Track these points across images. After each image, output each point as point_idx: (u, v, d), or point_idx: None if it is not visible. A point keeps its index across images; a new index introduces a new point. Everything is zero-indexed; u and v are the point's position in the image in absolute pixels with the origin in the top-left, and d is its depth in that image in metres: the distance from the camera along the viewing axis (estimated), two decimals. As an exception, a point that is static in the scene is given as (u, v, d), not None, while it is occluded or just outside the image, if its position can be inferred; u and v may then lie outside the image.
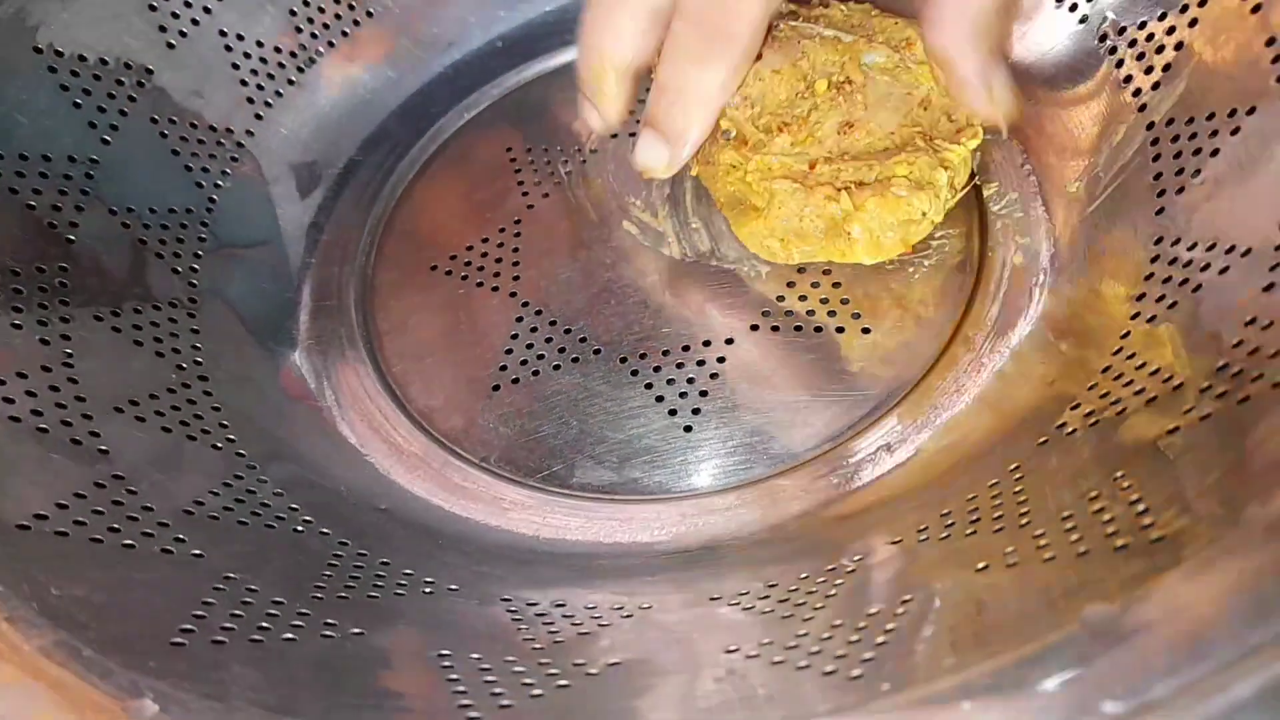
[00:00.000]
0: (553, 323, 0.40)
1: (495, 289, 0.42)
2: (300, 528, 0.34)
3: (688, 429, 0.37)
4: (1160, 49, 0.35)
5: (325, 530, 0.34)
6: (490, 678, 0.26)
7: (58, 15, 0.39)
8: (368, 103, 0.50)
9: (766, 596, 0.29)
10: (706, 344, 0.38)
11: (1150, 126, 0.35)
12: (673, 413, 0.37)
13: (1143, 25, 0.36)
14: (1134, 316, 0.32)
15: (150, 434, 0.34)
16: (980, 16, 0.33)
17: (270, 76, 0.47)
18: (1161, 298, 0.31)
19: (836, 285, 0.38)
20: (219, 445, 0.36)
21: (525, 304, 0.41)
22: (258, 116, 0.46)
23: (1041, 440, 0.31)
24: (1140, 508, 0.24)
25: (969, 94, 0.35)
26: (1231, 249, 0.29)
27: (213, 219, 0.43)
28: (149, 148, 0.42)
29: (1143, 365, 0.30)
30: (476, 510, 0.37)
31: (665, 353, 0.38)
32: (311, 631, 0.28)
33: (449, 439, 0.39)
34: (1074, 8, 0.39)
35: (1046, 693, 0.19)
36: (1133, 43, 0.36)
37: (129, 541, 0.29)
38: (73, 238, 0.37)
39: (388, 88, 0.51)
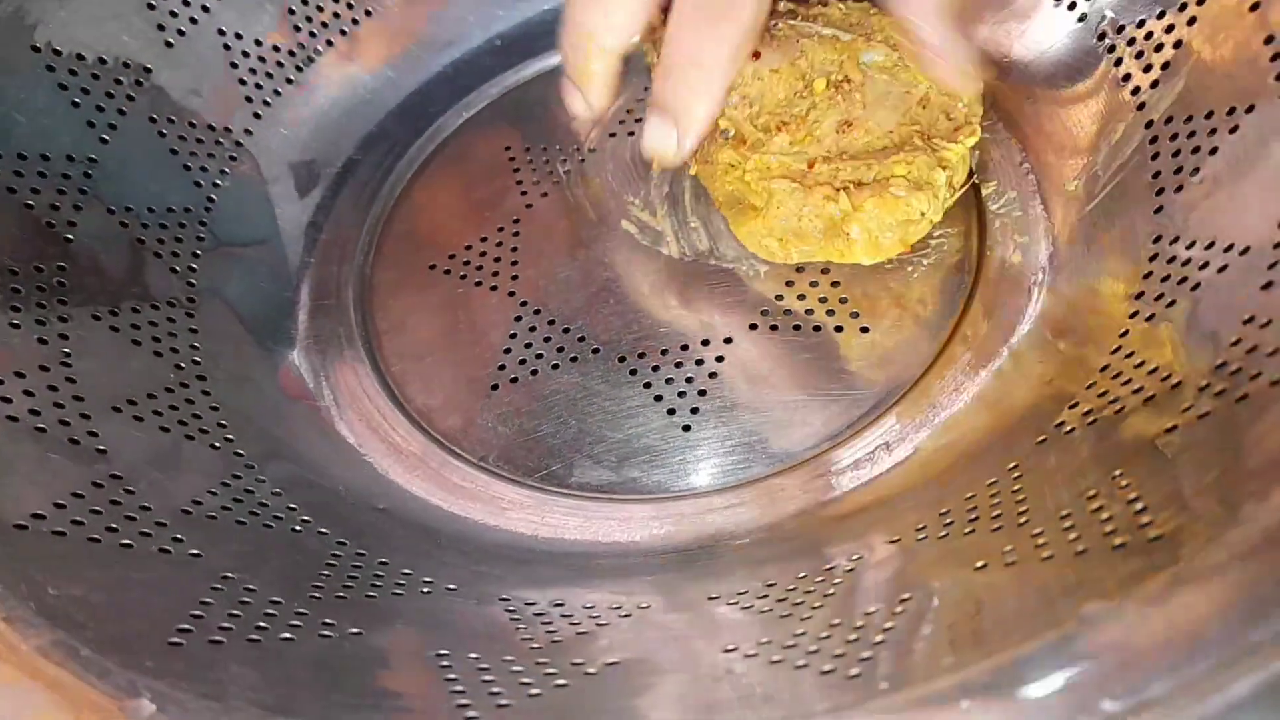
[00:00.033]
0: (551, 322, 0.40)
1: (494, 288, 0.42)
2: (298, 527, 0.34)
3: (686, 428, 0.37)
4: (1159, 47, 0.35)
5: (323, 530, 0.34)
6: (488, 677, 0.26)
7: (56, 14, 0.39)
8: (366, 102, 0.50)
9: (765, 596, 0.29)
10: (705, 343, 0.38)
11: (1149, 125, 0.35)
12: (671, 412, 0.37)
13: (1141, 24, 0.36)
14: (1133, 315, 0.32)
15: (148, 433, 0.34)
16: None
17: (269, 75, 0.47)
18: (1160, 296, 0.31)
19: (835, 284, 0.38)
20: (217, 445, 0.36)
21: (524, 303, 0.41)
22: (256, 115, 0.46)
23: (1040, 439, 0.31)
24: (1138, 506, 0.24)
25: (934, 64, 0.35)
26: (1230, 247, 0.29)
27: (211, 218, 0.43)
28: (147, 147, 0.42)
29: (1141, 364, 0.30)
30: (475, 510, 0.37)
31: (664, 352, 0.38)
32: (309, 631, 0.28)
33: (447, 438, 0.39)
34: (1072, 6, 0.39)
35: (1045, 691, 0.19)
36: (1131, 41, 0.36)
37: (127, 541, 0.29)
38: (71, 237, 0.37)
39: (386, 87, 0.51)
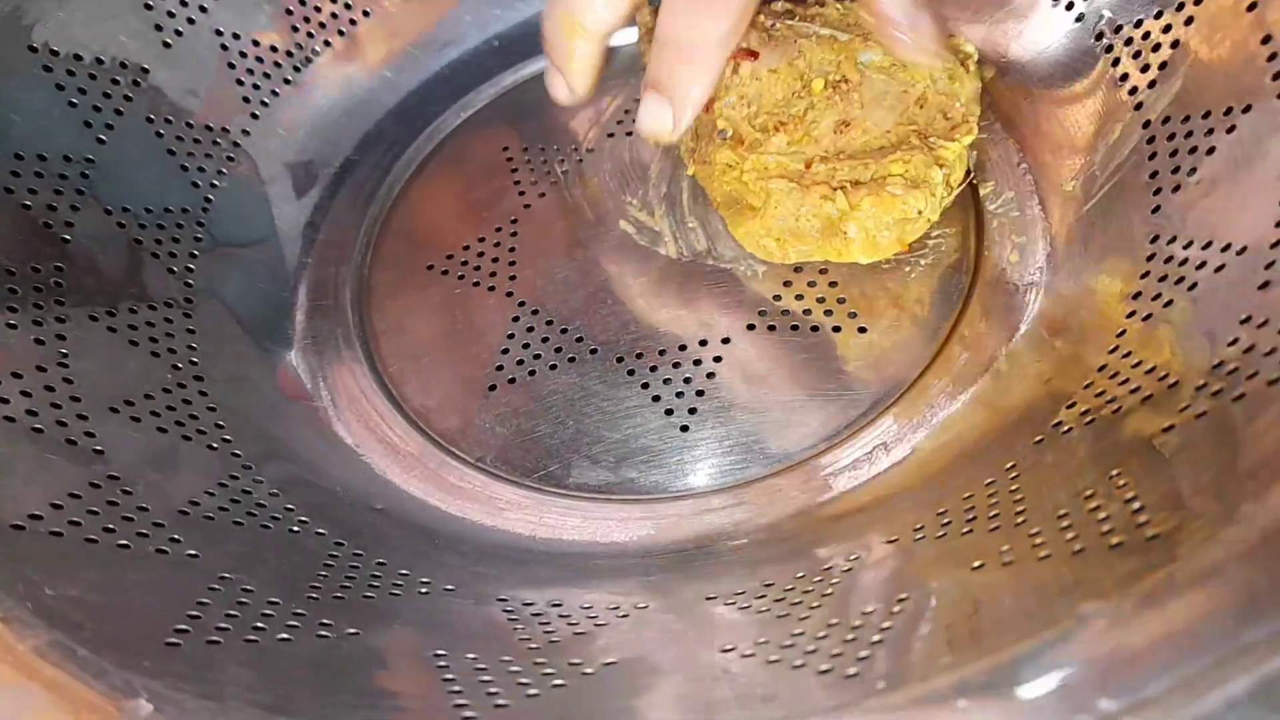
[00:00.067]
0: (549, 322, 0.40)
1: (492, 289, 0.42)
2: (296, 528, 0.34)
3: (684, 429, 0.37)
4: (1156, 47, 0.35)
5: (321, 530, 0.34)
6: (486, 677, 0.26)
7: (53, 14, 0.39)
8: (364, 102, 0.50)
9: (762, 596, 0.29)
10: (703, 344, 0.38)
11: (1146, 125, 0.35)
12: (669, 412, 0.37)
13: (1139, 23, 0.36)
14: (1130, 315, 0.32)
15: (146, 434, 0.34)
16: None
17: (266, 76, 0.47)
18: (1157, 296, 0.31)
19: (833, 284, 0.38)
20: (215, 445, 0.36)
21: (522, 303, 0.41)
22: (254, 116, 0.46)
23: (1038, 439, 0.31)
24: (1136, 506, 0.24)
25: (896, 40, 0.35)
26: (1227, 247, 0.29)
27: (209, 219, 0.43)
28: (145, 147, 0.42)
29: (1139, 363, 0.30)
30: (473, 510, 0.37)
31: (662, 352, 0.38)
32: (307, 631, 0.28)
33: (445, 439, 0.39)
34: (1070, 6, 0.39)
35: (1042, 690, 0.19)
36: (1129, 41, 0.36)
37: (124, 542, 0.29)
38: (68, 237, 0.37)
39: (384, 87, 0.51)
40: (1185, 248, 0.31)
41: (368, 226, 0.47)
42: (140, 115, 0.42)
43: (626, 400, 0.38)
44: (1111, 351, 0.31)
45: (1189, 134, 0.33)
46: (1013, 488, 0.29)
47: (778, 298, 0.38)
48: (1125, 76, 0.36)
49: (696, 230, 0.41)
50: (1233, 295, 0.28)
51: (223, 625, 0.27)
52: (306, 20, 0.48)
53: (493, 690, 0.26)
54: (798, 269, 0.39)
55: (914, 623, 0.24)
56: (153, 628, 0.26)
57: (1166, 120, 0.34)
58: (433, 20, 0.51)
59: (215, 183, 0.44)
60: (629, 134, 0.46)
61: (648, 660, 0.27)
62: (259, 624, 0.27)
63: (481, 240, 0.44)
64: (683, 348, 0.38)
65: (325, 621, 0.28)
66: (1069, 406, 0.31)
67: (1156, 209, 0.33)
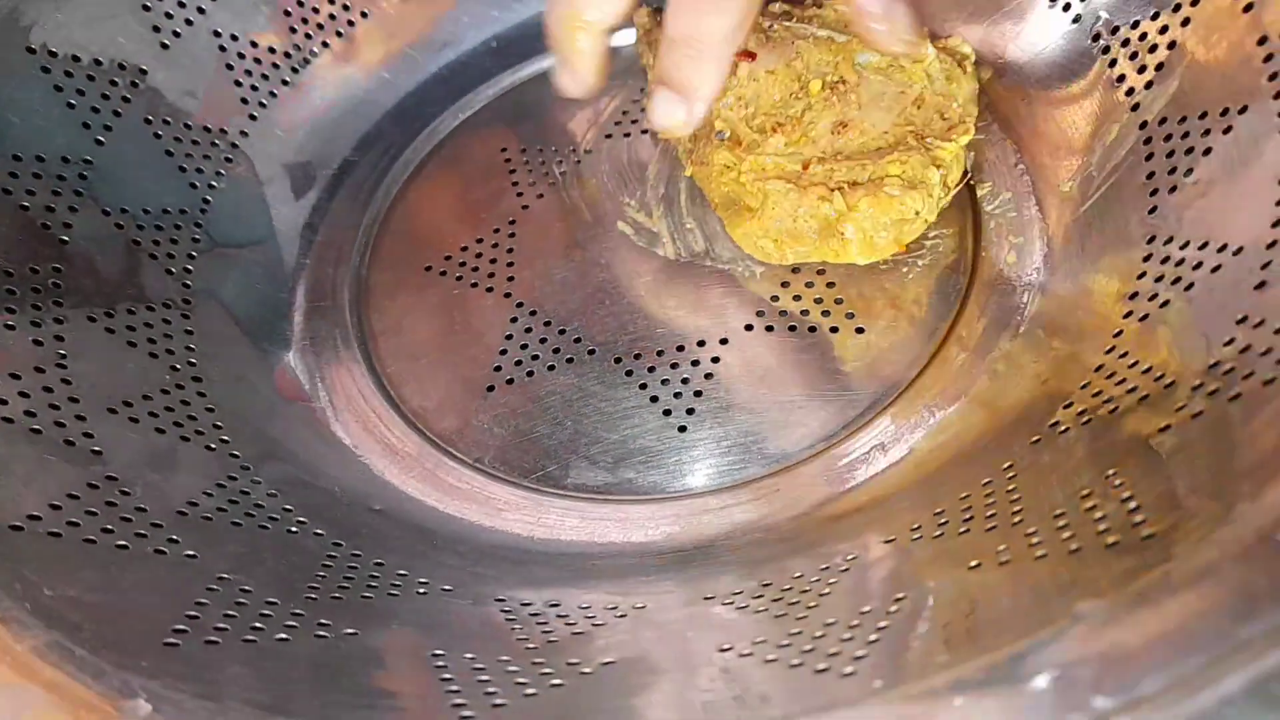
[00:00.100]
0: (547, 323, 0.40)
1: (490, 290, 0.42)
2: (294, 528, 0.34)
3: (682, 429, 0.37)
4: (1153, 48, 0.35)
5: (319, 531, 0.34)
6: (484, 677, 0.26)
7: (51, 15, 0.39)
8: (362, 103, 0.50)
9: (761, 595, 0.29)
10: (701, 344, 0.38)
11: (1143, 125, 0.35)
12: (667, 413, 0.37)
13: (1136, 24, 0.36)
14: (1127, 315, 0.32)
15: (144, 435, 0.34)
16: None
17: (264, 77, 0.47)
18: (1154, 296, 0.31)
19: (831, 285, 0.38)
20: (213, 446, 0.36)
21: (520, 304, 0.41)
22: (252, 117, 0.46)
23: (1034, 439, 0.31)
24: (1132, 505, 0.24)
25: (873, 29, 0.36)
26: (1223, 247, 0.29)
27: (207, 220, 0.43)
28: (143, 148, 0.42)
29: (1135, 363, 0.30)
30: (471, 511, 0.37)
31: (660, 353, 0.38)
32: (306, 632, 0.28)
33: (443, 440, 0.39)
34: (1067, 7, 0.39)
35: (1038, 688, 0.19)
36: (1126, 42, 0.36)
37: (123, 542, 0.29)
38: (66, 238, 0.37)
39: (382, 88, 0.51)
40: (1182, 248, 0.31)
41: (366, 227, 0.47)
42: (138, 116, 0.42)
43: (624, 401, 0.38)
44: (1108, 352, 0.32)
45: (1185, 135, 0.33)
46: (1009, 488, 0.29)
47: (775, 298, 0.38)
48: (1122, 78, 0.36)
49: (694, 231, 0.41)
50: (1229, 295, 0.28)
51: (221, 625, 0.27)
52: (304, 21, 0.48)
53: (491, 690, 0.26)
54: (795, 270, 0.39)
55: (911, 622, 0.24)
56: (151, 628, 0.26)
57: (1163, 121, 0.34)
58: (431, 21, 0.52)
59: (213, 184, 0.44)
60: (627, 135, 0.46)
61: (646, 660, 0.27)
62: (257, 624, 0.27)
63: (480, 241, 0.44)
64: (680, 348, 0.38)
65: (323, 621, 0.28)
66: (1066, 406, 0.31)
67: (1153, 209, 0.33)
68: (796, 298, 0.38)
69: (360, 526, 0.35)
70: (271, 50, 0.47)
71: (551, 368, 0.39)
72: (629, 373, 0.38)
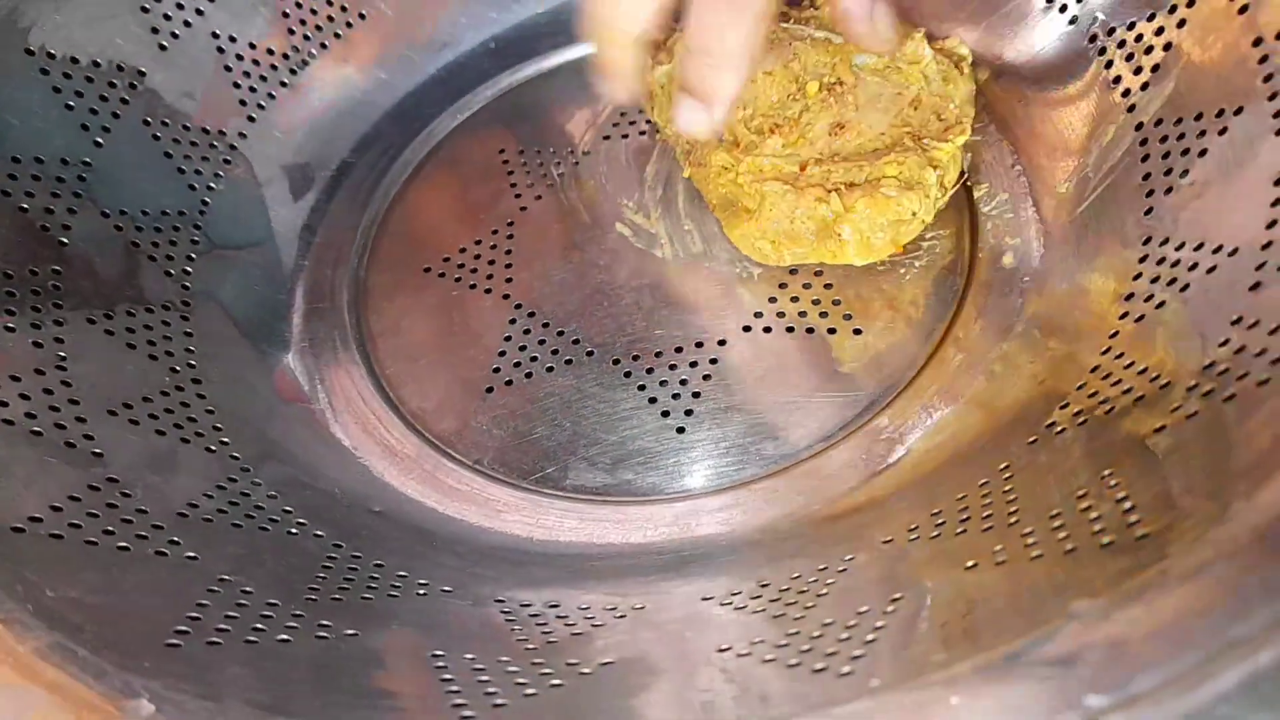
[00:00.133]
0: (545, 325, 0.41)
1: (488, 291, 0.42)
2: (294, 530, 0.34)
3: (680, 430, 0.37)
4: (1149, 50, 0.35)
5: (319, 532, 0.34)
6: (484, 677, 0.27)
7: (50, 17, 0.39)
8: (360, 105, 0.50)
9: (759, 596, 0.29)
10: (699, 345, 0.38)
11: (1139, 127, 0.35)
12: (665, 414, 0.37)
13: (1132, 26, 0.36)
14: (1123, 316, 0.32)
15: (144, 437, 0.34)
16: None
17: (263, 79, 0.47)
18: (1150, 297, 0.31)
19: (828, 286, 0.38)
20: (213, 448, 0.36)
21: (518, 306, 0.41)
22: (250, 119, 0.47)
23: (1031, 440, 0.31)
24: (1127, 505, 0.25)
25: (856, 29, 0.37)
26: (1219, 249, 0.30)
27: (205, 221, 0.43)
28: (142, 150, 0.42)
29: (1131, 364, 0.30)
30: (470, 512, 0.37)
31: (658, 354, 0.38)
32: (306, 633, 0.28)
33: (442, 441, 0.39)
34: (1064, 9, 0.39)
35: (1033, 686, 0.19)
36: (1122, 43, 0.36)
37: (124, 544, 0.29)
38: (65, 240, 0.37)
39: (380, 90, 0.51)
40: (1177, 249, 0.31)
41: (364, 229, 0.47)
42: (137, 118, 0.42)
43: (623, 402, 0.38)
44: (1104, 353, 0.32)
45: (1181, 136, 0.33)
46: (1006, 488, 0.29)
47: (773, 300, 0.39)
48: (1118, 79, 0.36)
49: (692, 233, 0.42)
50: (1224, 297, 0.28)
51: (222, 626, 0.27)
52: (303, 23, 0.48)
53: (491, 690, 0.26)
54: (793, 271, 0.39)
55: (909, 622, 0.25)
56: (153, 629, 0.26)
57: (1159, 123, 0.34)
58: (428, 23, 0.52)
59: (212, 185, 0.44)
60: (625, 137, 0.46)
61: (645, 660, 0.27)
62: (258, 625, 0.27)
63: (478, 243, 0.44)
64: (679, 350, 0.38)
65: (324, 622, 0.28)
66: (1062, 407, 0.31)
67: (1149, 211, 0.33)
68: (794, 299, 0.38)
69: (360, 528, 0.35)
70: (270, 52, 0.47)
71: (550, 369, 0.39)
72: (627, 374, 0.38)
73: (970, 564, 0.26)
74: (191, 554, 0.30)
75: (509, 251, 0.43)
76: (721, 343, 0.38)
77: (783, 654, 0.25)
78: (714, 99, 0.36)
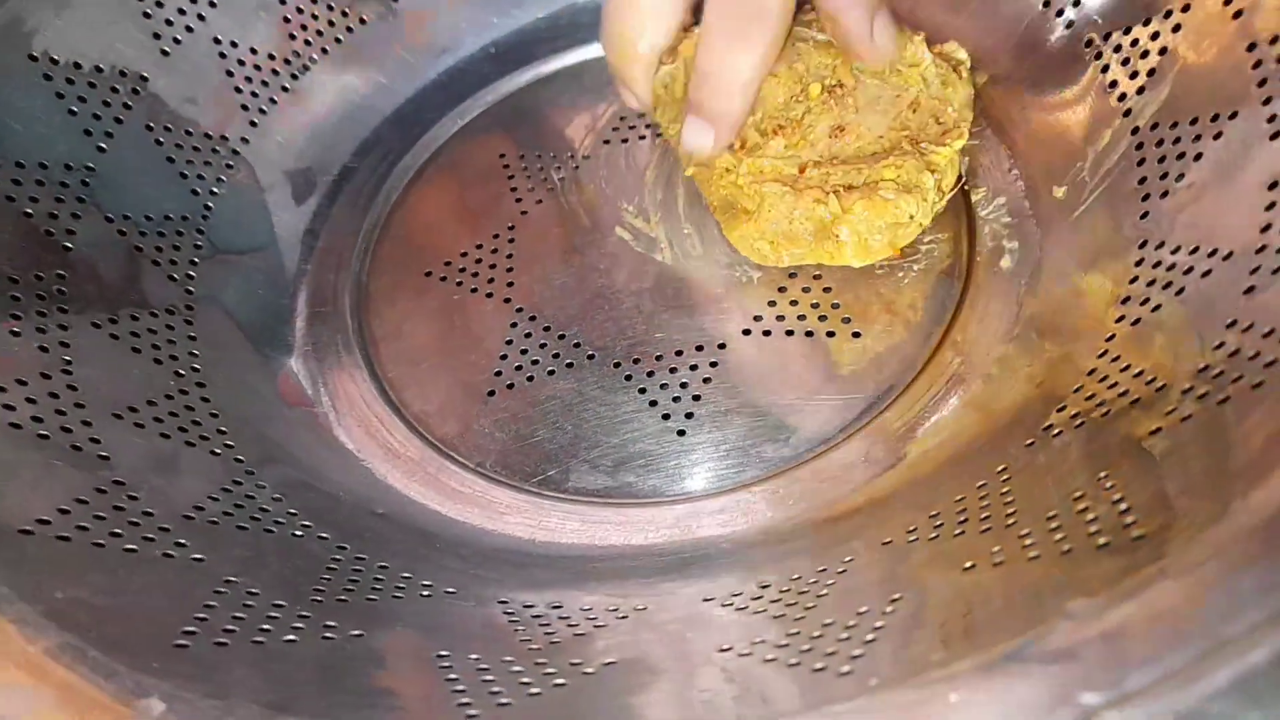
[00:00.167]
0: (546, 328, 0.41)
1: (489, 295, 0.43)
2: (299, 532, 0.34)
3: (681, 433, 0.37)
4: (1145, 54, 0.36)
5: (324, 535, 0.34)
6: (488, 677, 0.27)
7: (52, 22, 0.39)
8: (362, 109, 0.51)
9: (759, 597, 0.30)
10: (699, 349, 0.39)
11: (1135, 131, 0.35)
12: (666, 417, 0.37)
13: (1128, 30, 0.36)
14: (1119, 319, 0.32)
15: (149, 440, 0.34)
16: None
17: (264, 84, 0.47)
18: (1146, 300, 0.32)
19: (827, 290, 0.39)
20: (217, 451, 0.36)
21: (519, 309, 0.42)
22: (252, 124, 0.47)
23: (1028, 442, 0.31)
24: (1123, 507, 0.25)
25: (857, 49, 0.37)
26: (1214, 252, 0.30)
27: (208, 226, 0.44)
28: (144, 155, 0.43)
29: (1127, 367, 0.30)
30: (473, 514, 0.37)
31: (658, 357, 0.39)
32: (312, 633, 0.28)
33: (445, 444, 0.39)
34: (1061, 13, 0.39)
35: (1030, 684, 0.20)
36: (1118, 48, 0.37)
37: (130, 546, 0.29)
38: (69, 245, 0.38)
39: (381, 94, 0.51)
40: (1173, 253, 0.32)
41: (366, 233, 0.47)
42: (139, 123, 0.42)
43: (624, 405, 0.38)
44: (1101, 355, 0.32)
45: (1177, 140, 0.33)
46: (1004, 490, 0.30)
47: (773, 303, 0.39)
48: (1115, 83, 0.37)
49: (692, 236, 0.42)
50: (1219, 300, 0.29)
51: (229, 627, 0.27)
52: (304, 28, 0.48)
53: (495, 689, 0.26)
54: (792, 275, 0.39)
55: (908, 622, 0.25)
56: (161, 630, 0.26)
57: (1155, 126, 0.35)
58: (429, 28, 0.52)
59: (214, 190, 0.45)
60: (624, 141, 0.46)
61: (646, 660, 0.28)
62: (265, 626, 0.28)
63: (479, 247, 0.44)
64: (679, 353, 0.39)
65: (329, 623, 0.29)
66: (1059, 409, 0.31)
67: (1145, 214, 0.34)
68: (793, 302, 0.39)
69: (364, 530, 0.35)
70: (271, 57, 0.47)
71: (551, 372, 0.40)
72: (628, 377, 0.39)
73: (969, 565, 0.26)
74: (198, 556, 0.30)
75: (510, 255, 0.44)
76: (721, 346, 0.38)
77: (783, 654, 0.25)
78: (721, 122, 0.37)
